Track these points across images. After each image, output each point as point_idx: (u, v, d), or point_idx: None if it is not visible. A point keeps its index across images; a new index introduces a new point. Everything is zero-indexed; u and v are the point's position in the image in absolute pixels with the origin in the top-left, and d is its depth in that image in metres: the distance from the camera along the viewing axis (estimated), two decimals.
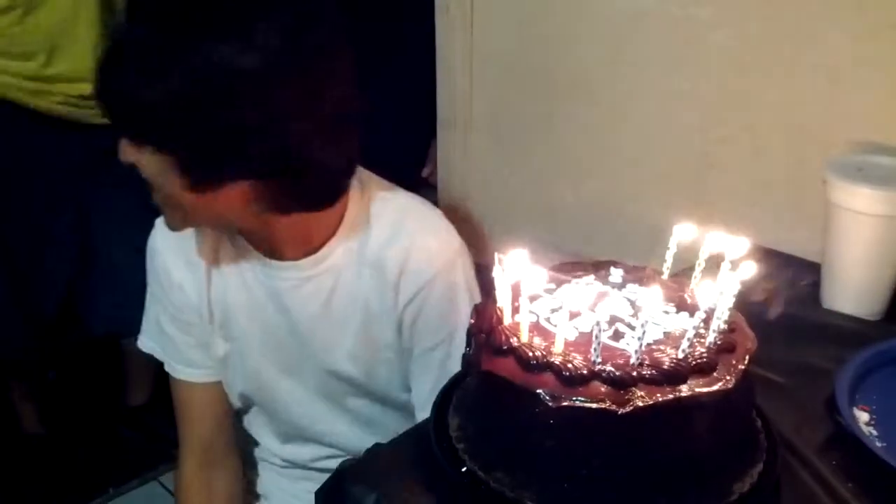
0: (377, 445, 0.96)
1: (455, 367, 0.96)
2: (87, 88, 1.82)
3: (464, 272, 1.22)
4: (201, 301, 1.27)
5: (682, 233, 0.91)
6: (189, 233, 1.22)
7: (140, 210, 1.26)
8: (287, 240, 1.19)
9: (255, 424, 1.42)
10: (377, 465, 0.91)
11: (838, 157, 1.19)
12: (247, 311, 1.26)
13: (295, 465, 1.42)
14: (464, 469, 0.85)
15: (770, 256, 1.23)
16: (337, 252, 1.21)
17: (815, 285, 1.23)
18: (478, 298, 1.20)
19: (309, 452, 1.40)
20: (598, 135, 1.58)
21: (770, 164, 1.36)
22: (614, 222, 1.50)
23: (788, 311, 1.17)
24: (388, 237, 1.20)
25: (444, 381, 0.96)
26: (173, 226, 1.16)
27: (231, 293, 1.26)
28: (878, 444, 0.91)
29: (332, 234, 1.21)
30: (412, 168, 1.98)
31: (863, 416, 0.96)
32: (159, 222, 1.23)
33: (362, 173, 1.21)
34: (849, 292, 1.18)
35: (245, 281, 1.25)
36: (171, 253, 1.27)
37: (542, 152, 1.65)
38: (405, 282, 1.20)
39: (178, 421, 1.38)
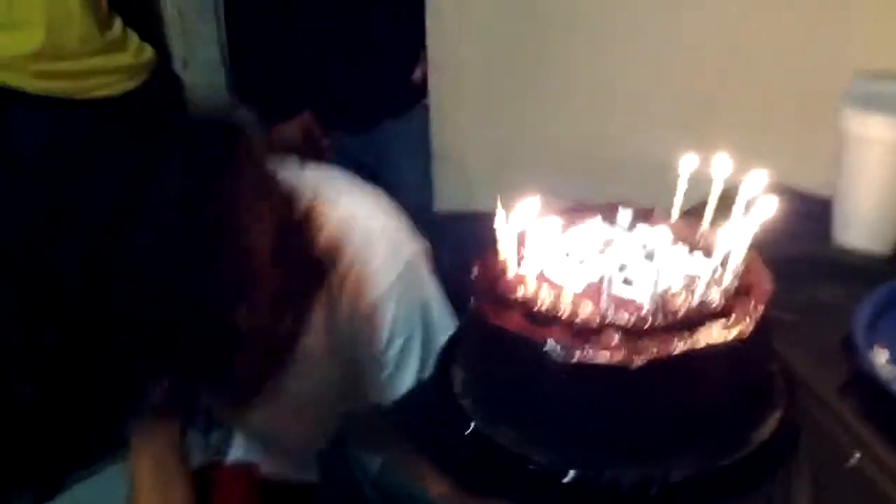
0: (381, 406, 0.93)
1: None
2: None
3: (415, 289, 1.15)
4: None
5: (690, 165, 0.86)
6: None
7: None
8: None
9: None
10: (379, 427, 0.88)
11: (852, 86, 1.14)
12: None
13: None
14: (470, 426, 0.81)
15: (780, 192, 1.18)
16: None
17: (826, 221, 1.19)
18: None
19: None
20: (597, 73, 1.52)
21: (779, 98, 1.31)
22: (617, 163, 1.46)
23: (799, 248, 1.13)
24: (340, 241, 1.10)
25: None
26: None
27: None
28: None
29: None
30: (404, 72, 1.91)
31: (882, 355, 0.93)
32: None
33: None
34: (861, 225, 1.14)
35: None
36: None
37: (538, 93, 1.60)
38: (365, 294, 1.11)
39: None
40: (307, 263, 1.00)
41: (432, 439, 0.84)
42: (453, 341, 0.92)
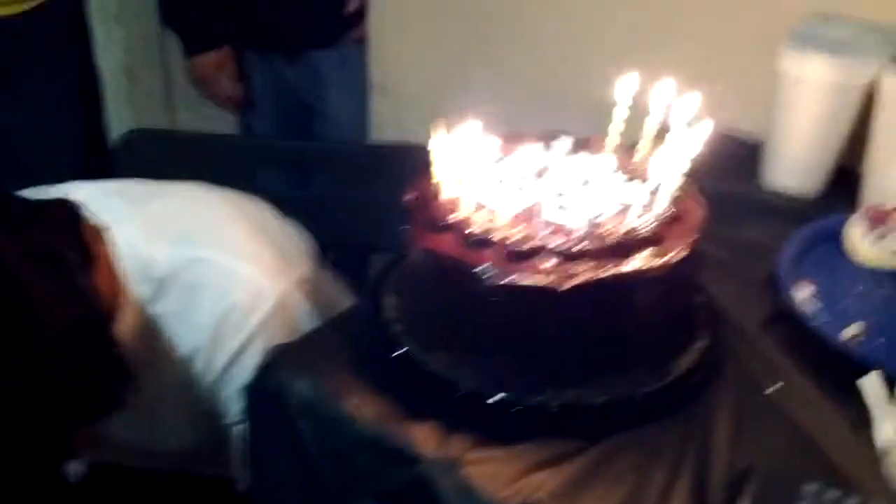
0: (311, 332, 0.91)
1: None
2: None
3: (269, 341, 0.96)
4: None
5: (628, 88, 0.85)
6: None
7: None
8: None
9: None
10: (309, 351, 0.87)
11: (790, 27, 1.14)
12: None
13: None
14: (401, 350, 0.81)
15: (714, 135, 1.19)
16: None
17: (754, 162, 1.21)
18: None
19: None
20: (541, 4, 1.50)
21: (721, 39, 1.30)
22: (559, 97, 1.44)
23: (730, 187, 1.14)
24: (189, 299, 0.95)
25: None
26: None
27: None
28: (824, 318, 0.90)
29: None
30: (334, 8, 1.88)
31: (805, 292, 0.95)
32: None
33: None
34: (791, 166, 1.16)
35: None
36: None
37: (479, 25, 1.57)
38: (218, 353, 0.97)
39: None
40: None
41: (363, 364, 0.84)
42: (385, 269, 0.91)
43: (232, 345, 0.93)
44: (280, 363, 0.85)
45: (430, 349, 0.80)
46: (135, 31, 2.19)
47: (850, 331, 0.89)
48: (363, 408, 0.79)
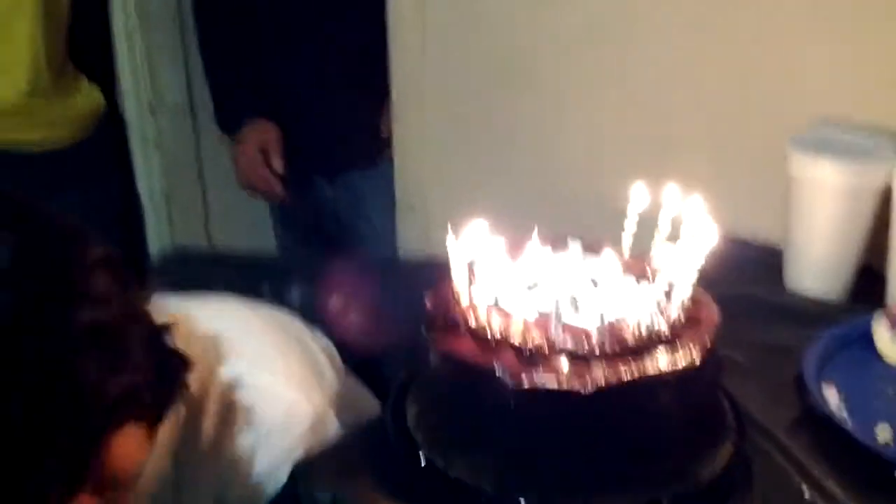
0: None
1: None
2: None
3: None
4: None
5: (639, 195, 0.87)
6: None
7: None
8: None
9: None
10: (332, 464, 0.87)
11: (801, 133, 1.17)
12: None
13: None
14: (421, 458, 0.80)
15: (730, 240, 1.21)
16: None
17: (776, 267, 1.21)
18: None
19: None
20: (555, 119, 1.55)
21: (730, 146, 1.33)
22: (573, 207, 1.48)
23: (750, 291, 1.14)
24: (222, 427, 0.93)
25: None
26: None
27: None
28: (850, 423, 0.89)
29: None
30: (372, 131, 1.93)
31: (832, 394, 0.94)
32: None
33: None
34: (811, 270, 1.16)
35: None
36: None
37: (498, 144, 1.63)
38: (255, 472, 0.94)
39: None
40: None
41: (386, 473, 0.83)
42: (406, 377, 0.92)
43: (264, 463, 0.92)
44: (300, 475, 0.85)
45: (452, 456, 0.80)
46: (172, 156, 2.28)
47: (882, 434, 0.87)
48: None
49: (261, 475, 0.92)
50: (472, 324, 0.79)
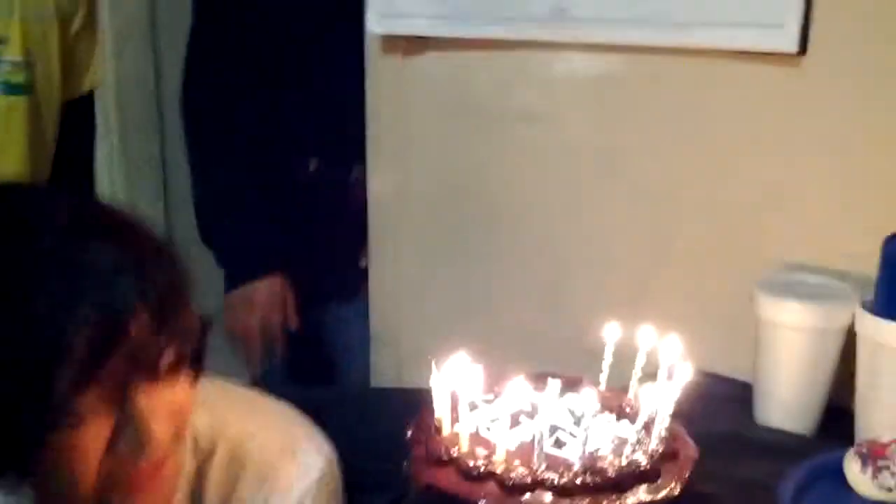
0: None
1: None
2: None
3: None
4: None
5: (614, 334, 0.91)
6: None
7: None
8: None
9: None
10: None
11: (767, 275, 1.23)
12: None
13: None
14: None
15: (704, 376, 1.23)
16: None
17: (747, 402, 1.24)
18: None
19: None
20: (532, 259, 1.59)
21: (703, 288, 1.38)
22: (550, 346, 1.51)
23: (723, 426, 1.16)
24: (229, 491, 0.94)
25: None
26: None
27: None
28: None
29: None
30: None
31: None
32: None
33: None
34: (781, 408, 1.19)
35: None
36: None
37: (470, 279, 1.66)
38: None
39: None
40: None
41: None
42: None
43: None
44: None
45: None
46: None
47: None
48: None
49: None
50: (455, 454, 0.80)
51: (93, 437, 0.75)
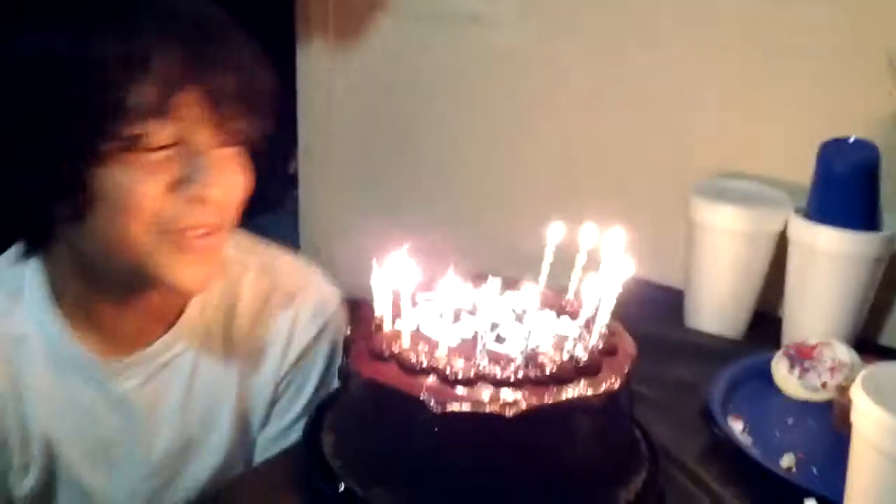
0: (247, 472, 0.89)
1: None
2: None
3: (338, 333, 1.04)
4: (6, 426, 0.94)
5: (556, 233, 0.90)
6: None
7: None
8: (127, 318, 0.93)
9: None
10: (243, 492, 0.84)
11: (700, 181, 1.23)
12: (81, 423, 0.96)
13: None
14: (340, 488, 0.79)
15: (635, 283, 1.24)
16: (191, 333, 0.97)
17: (678, 308, 1.26)
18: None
19: None
20: (475, 171, 1.58)
21: (633, 195, 1.39)
22: (486, 253, 1.50)
23: (654, 330, 1.18)
24: (262, 306, 1.01)
25: None
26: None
27: (55, 407, 0.95)
28: (754, 451, 0.92)
29: (181, 310, 0.97)
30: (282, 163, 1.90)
31: (737, 426, 0.97)
32: None
33: None
34: (711, 312, 1.21)
35: (74, 388, 0.95)
36: None
37: (406, 183, 1.64)
38: (293, 346, 1.02)
39: None
40: None
41: (302, 499, 0.81)
42: (322, 408, 0.90)
43: (304, 339, 1.02)
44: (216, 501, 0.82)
45: (371, 486, 0.79)
46: None
47: (785, 461, 0.91)
48: None
49: (297, 353, 1.02)
50: (396, 349, 0.78)
51: (156, 175, 0.81)
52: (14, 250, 0.93)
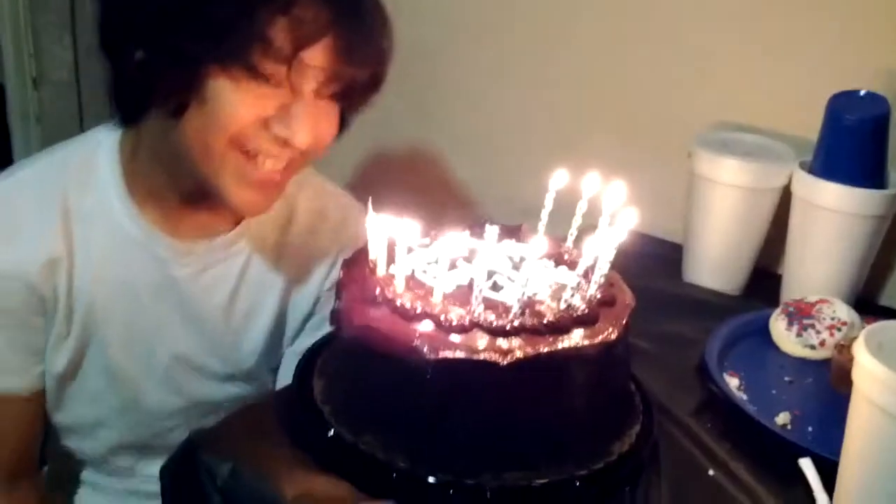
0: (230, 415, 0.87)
1: None
2: None
3: None
4: (56, 294, 0.97)
5: (559, 180, 0.87)
6: (50, 207, 0.95)
7: None
8: (192, 214, 0.99)
9: (99, 439, 1.10)
10: (233, 431, 0.83)
11: (705, 133, 1.20)
12: (126, 305, 1.00)
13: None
14: (330, 432, 0.77)
15: (633, 236, 1.22)
16: (249, 235, 1.04)
17: (677, 262, 1.24)
18: None
19: None
20: (472, 117, 1.55)
21: (636, 147, 1.36)
22: (489, 203, 1.48)
23: (651, 284, 1.16)
24: (315, 220, 1.09)
25: None
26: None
27: (105, 285, 0.99)
28: (750, 408, 0.91)
29: (242, 216, 1.03)
30: None
31: (733, 382, 0.96)
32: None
33: None
34: (710, 265, 1.19)
35: (128, 269, 0.99)
36: (20, 231, 0.95)
37: (416, 129, 1.61)
38: (337, 267, 1.02)
39: None
40: None
41: (290, 447, 0.80)
42: (313, 351, 0.89)
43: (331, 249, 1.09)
44: (202, 445, 0.80)
45: (361, 430, 0.77)
46: (54, 130, 2.16)
47: (781, 419, 0.90)
48: (290, 490, 0.75)
49: (335, 273, 1.04)
50: (390, 294, 0.76)
51: (256, 105, 0.85)
52: (93, 132, 1.00)
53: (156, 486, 0.90)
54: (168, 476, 0.84)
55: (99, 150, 0.98)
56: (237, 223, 1.03)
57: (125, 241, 0.98)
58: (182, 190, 0.96)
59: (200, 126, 0.86)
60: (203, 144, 0.87)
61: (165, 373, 1.05)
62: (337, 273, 1.00)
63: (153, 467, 0.94)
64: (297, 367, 0.87)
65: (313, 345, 0.90)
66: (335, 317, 0.81)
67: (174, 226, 0.99)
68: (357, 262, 0.82)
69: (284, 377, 1.10)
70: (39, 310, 0.96)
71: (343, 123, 0.95)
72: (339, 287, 0.81)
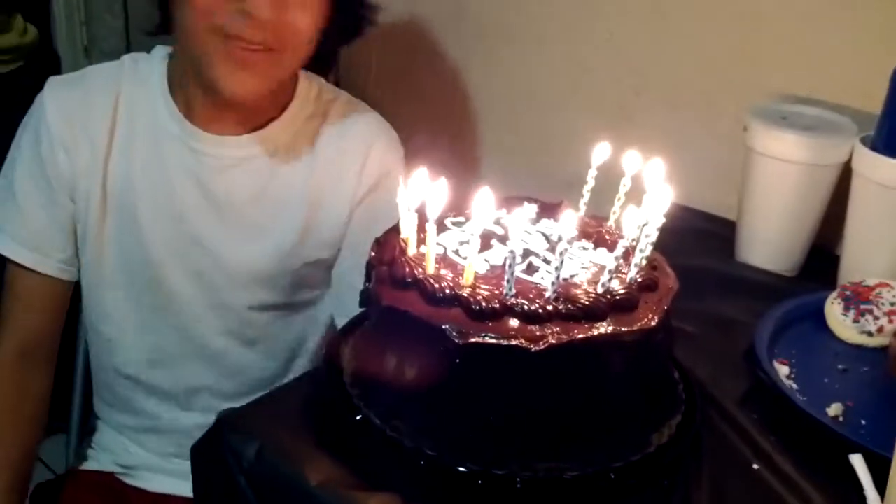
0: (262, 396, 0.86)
1: None
2: None
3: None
4: (92, 177, 1.10)
5: (602, 153, 0.83)
6: (90, 93, 1.11)
7: None
8: (216, 114, 1.09)
9: (133, 349, 1.19)
10: (261, 413, 0.81)
11: (761, 105, 1.15)
12: (155, 193, 1.11)
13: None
14: (358, 417, 0.76)
15: (683, 211, 1.18)
16: (282, 134, 1.12)
17: (729, 240, 1.19)
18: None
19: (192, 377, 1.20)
20: (514, 81, 1.51)
21: (688, 117, 1.31)
22: (529, 173, 1.44)
23: (701, 263, 1.12)
24: (345, 126, 1.15)
25: None
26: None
27: (138, 171, 1.11)
28: (799, 398, 0.86)
29: (279, 113, 1.13)
30: None
31: (782, 370, 0.92)
32: (53, 80, 1.13)
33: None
34: (765, 245, 1.14)
35: (161, 158, 1.11)
36: (62, 114, 1.09)
37: (463, 95, 1.58)
38: (368, 168, 1.14)
39: (4, 299, 1.15)
40: None
41: (318, 430, 0.78)
42: (343, 331, 0.87)
43: (377, 169, 1.14)
44: (229, 426, 0.79)
45: (390, 417, 0.75)
46: None
47: (832, 411, 0.85)
48: (315, 475, 0.73)
49: (367, 178, 1.14)
50: (419, 275, 0.74)
51: None
52: (159, 47, 1.14)
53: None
54: (197, 455, 0.83)
55: (154, 55, 1.13)
56: (264, 126, 1.12)
57: (163, 132, 1.10)
58: (201, 85, 1.05)
59: (182, 18, 0.99)
60: (186, 34, 1.00)
61: (187, 256, 1.13)
62: (365, 189, 1.14)
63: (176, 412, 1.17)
64: (327, 348, 0.85)
65: (344, 327, 0.88)
66: (365, 297, 0.79)
67: (205, 121, 1.09)
68: (388, 241, 0.79)
69: (332, 303, 1.20)
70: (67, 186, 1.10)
71: (341, 31, 1.08)
72: (369, 267, 0.78)
